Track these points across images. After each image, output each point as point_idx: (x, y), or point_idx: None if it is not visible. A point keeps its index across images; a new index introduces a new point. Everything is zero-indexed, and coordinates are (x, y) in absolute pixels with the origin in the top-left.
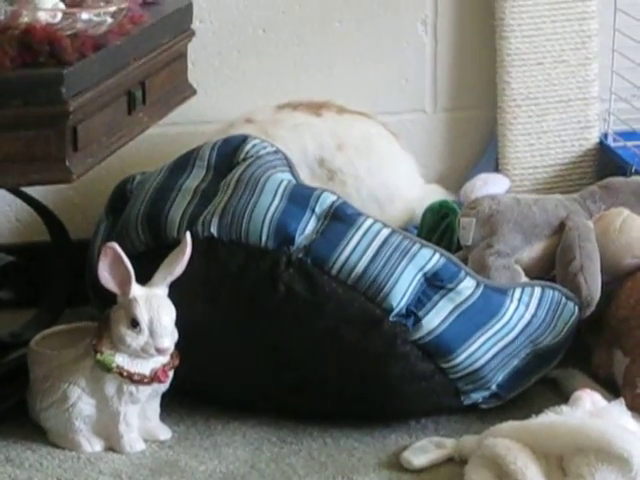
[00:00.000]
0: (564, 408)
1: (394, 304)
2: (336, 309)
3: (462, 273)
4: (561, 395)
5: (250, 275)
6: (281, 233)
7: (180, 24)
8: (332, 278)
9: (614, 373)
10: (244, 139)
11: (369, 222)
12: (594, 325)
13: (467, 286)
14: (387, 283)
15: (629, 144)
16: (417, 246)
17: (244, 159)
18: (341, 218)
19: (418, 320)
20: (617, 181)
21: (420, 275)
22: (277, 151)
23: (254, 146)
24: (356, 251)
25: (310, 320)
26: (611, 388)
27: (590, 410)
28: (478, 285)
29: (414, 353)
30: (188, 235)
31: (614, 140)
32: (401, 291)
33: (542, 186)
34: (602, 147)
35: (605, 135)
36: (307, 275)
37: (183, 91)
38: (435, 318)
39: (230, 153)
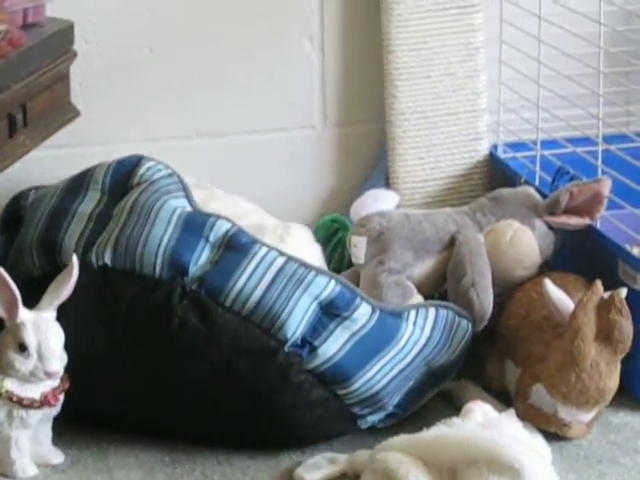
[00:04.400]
0: (455, 420)
1: (289, 334)
2: (230, 341)
3: (358, 299)
4: (454, 407)
5: (144, 306)
6: (175, 264)
7: (61, 45)
8: (226, 309)
9: (507, 384)
10: (138, 161)
11: (264, 250)
12: (487, 336)
13: (363, 313)
14: (282, 313)
15: (518, 155)
16: (312, 274)
17: (138, 183)
18: (235, 247)
19: (314, 349)
20: (506, 192)
21: (315, 304)
22: (172, 174)
23: (148, 169)
24: (250, 281)
25: (204, 352)
26: (504, 399)
27: (481, 421)
28: (374, 311)
29: (309, 381)
30: (75, 258)
31: (504, 151)
32: (296, 321)
33: (433, 199)
34: (492, 159)
35: (495, 147)
36: (201, 307)
37: (66, 113)
38: (332, 346)
39: (124, 176)
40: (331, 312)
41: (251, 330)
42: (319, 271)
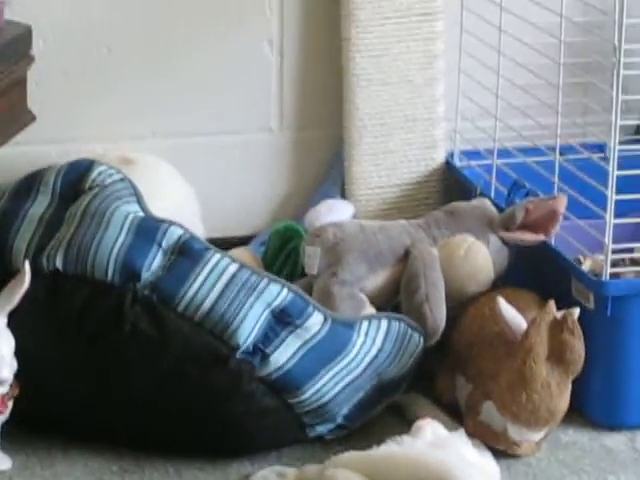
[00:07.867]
0: (405, 438)
1: (240, 341)
2: (182, 347)
3: (310, 308)
4: (405, 421)
5: (95, 311)
6: (127, 269)
7: (18, 50)
8: (178, 315)
9: (457, 398)
10: (89, 165)
11: (217, 257)
12: (438, 350)
13: (315, 322)
14: (234, 320)
15: (473, 163)
16: (265, 281)
17: (90, 188)
18: (188, 253)
19: (265, 357)
20: (461, 206)
21: (268, 312)
22: (123, 179)
23: (100, 174)
24: (203, 288)
25: (155, 358)
26: (454, 413)
27: (431, 440)
28: (326, 320)
29: (260, 389)
30: (27, 264)
31: (459, 159)
32: (248, 328)
33: (389, 205)
34: (448, 167)
35: (451, 154)
36: (153, 312)
37: (22, 118)
38: (283, 355)
39: (76, 180)
40: (283, 320)
41: (203, 336)
42: (271, 279)
